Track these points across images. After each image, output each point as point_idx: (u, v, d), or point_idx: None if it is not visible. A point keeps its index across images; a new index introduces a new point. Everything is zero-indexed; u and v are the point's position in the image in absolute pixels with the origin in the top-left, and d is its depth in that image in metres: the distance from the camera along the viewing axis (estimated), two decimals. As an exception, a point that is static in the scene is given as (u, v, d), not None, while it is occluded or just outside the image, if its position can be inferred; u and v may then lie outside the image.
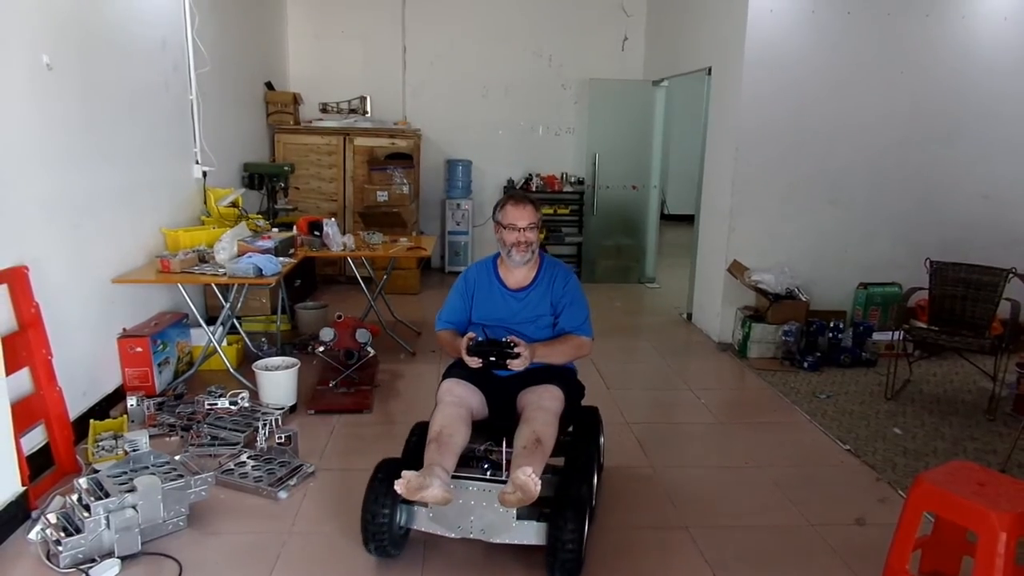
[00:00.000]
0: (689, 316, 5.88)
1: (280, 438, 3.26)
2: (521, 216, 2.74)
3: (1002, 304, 4.05)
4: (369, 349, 4.05)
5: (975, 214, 5.17)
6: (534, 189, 7.32)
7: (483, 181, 7.41)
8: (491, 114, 7.36)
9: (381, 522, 2.36)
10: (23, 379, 2.90)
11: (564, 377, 2.76)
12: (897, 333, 4.36)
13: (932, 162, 5.09)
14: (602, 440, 3.07)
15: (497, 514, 2.35)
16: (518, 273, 2.84)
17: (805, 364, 4.65)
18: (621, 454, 3.39)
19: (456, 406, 2.59)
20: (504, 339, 2.59)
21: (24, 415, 2.79)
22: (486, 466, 2.54)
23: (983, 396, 4.14)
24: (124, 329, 3.79)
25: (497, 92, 7.33)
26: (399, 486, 2.21)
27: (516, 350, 2.56)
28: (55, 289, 3.13)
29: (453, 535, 2.41)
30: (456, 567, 2.50)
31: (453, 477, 2.38)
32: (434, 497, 2.23)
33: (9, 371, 2.64)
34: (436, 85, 7.25)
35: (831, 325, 4.81)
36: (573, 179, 7.44)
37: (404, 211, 6.33)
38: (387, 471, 2.42)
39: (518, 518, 2.36)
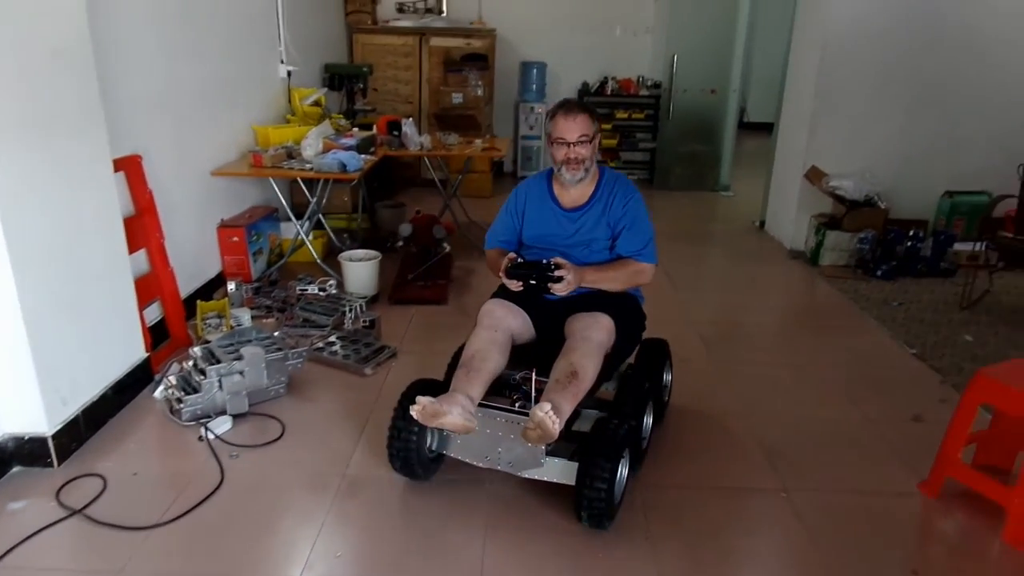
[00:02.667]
0: (762, 224, 5.82)
1: (364, 322, 3.54)
2: (571, 128, 2.41)
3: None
4: (445, 245, 4.25)
5: (1084, 120, 4.84)
6: (609, 92, 7.21)
7: (558, 84, 7.32)
8: (567, 14, 7.16)
9: (406, 442, 2.28)
10: (141, 259, 3.23)
11: (621, 305, 2.49)
12: (980, 243, 4.24)
13: (1039, 62, 4.75)
14: (668, 377, 2.90)
15: (525, 448, 2.18)
16: (573, 191, 2.55)
17: (879, 272, 4.60)
18: (683, 350, 3.50)
19: (492, 330, 2.39)
20: (545, 260, 2.35)
21: (143, 291, 3.11)
22: (518, 396, 2.36)
23: (1067, 309, 4.04)
24: (222, 220, 4.09)
25: (574, -10, 7.13)
26: (414, 411, 2.11)
27: (558, 273, 2.32)
28: (163, 179, 3.40)
29: (481, 464, 2.28)
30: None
31: (481, 405, 2.24)
32: (452, 425, 2.10)
33: (130, 251, 2.94)
34: (512, -17, 7.10)
35: (910, 234, 4.69)
36: (650, 82, 7.26)
37: (478, 113, 6.39)
38: (420, 391, 2.26)
39: (548, 454, 2.21)
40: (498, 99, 7.23)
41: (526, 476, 2.25)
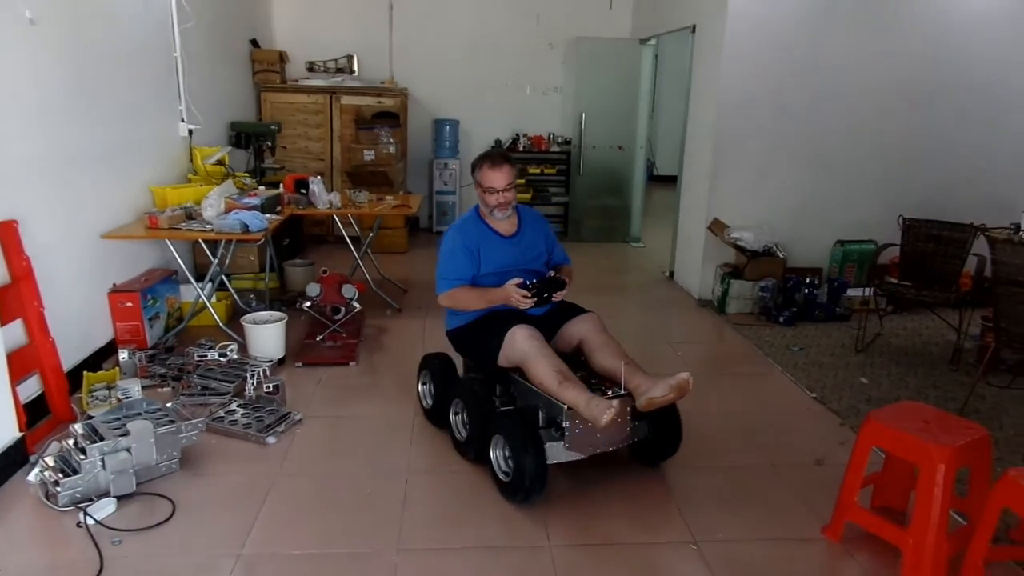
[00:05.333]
0: (671, 274, 6.00)
1: (268, 388, 3.38)
2: (499, 178, 2.89)
3: (970, 260, 4.18)
4: (355, 304, 4.15)
5: (951, 174, 5.26)
6: (521, 149, 7.36)
7: (470, 141, 7.43)
8: (478, 74, 7.35)
9: (542, 467, 2.57)
10: (17, 330, 3.00)
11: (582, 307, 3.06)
12: (869, 289, 4.48)
13: (911, 123, 5.17)
14: None
15: (617, 425, 2.62)
16: (504, 223, 3.02)
17: (781, 319, 4.79)
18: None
19: (546, 348, 2.74)
20: (549, 275, 2.89)
21: (19, 365, 2.88)
22: (609, 386, 2.74)
23: (950, 348, 4.29)
24: (114, 284, 3.87)
25: (484, 51, 7.31)
26: (610, 415, 2.43)
27: (563, 279, 2.87)
28: (45, 244, 3.20)
29: (585, 455, 2.66)
30: (436, 515, 2.65)
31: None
32: (620, 413, 2.54)
33: (3, 322, 2.73)
34: (423, 44, 7.22)
35: (807, 281, 4.93)
36: (560, 139, 7.47)
37: (391, 170, 6.38)
38: (533, 423, 2.68)
39: (633, 420, 2.69)
40: (412, 156, 7.28)
41: (619, 447, 2.72)
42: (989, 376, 3.80)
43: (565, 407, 2.56)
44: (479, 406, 2.87)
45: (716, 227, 5.10)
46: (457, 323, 3.04)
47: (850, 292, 5.00)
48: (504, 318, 2.82)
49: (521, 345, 2.72)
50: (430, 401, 3.26)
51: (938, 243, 4.29)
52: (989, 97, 5.19)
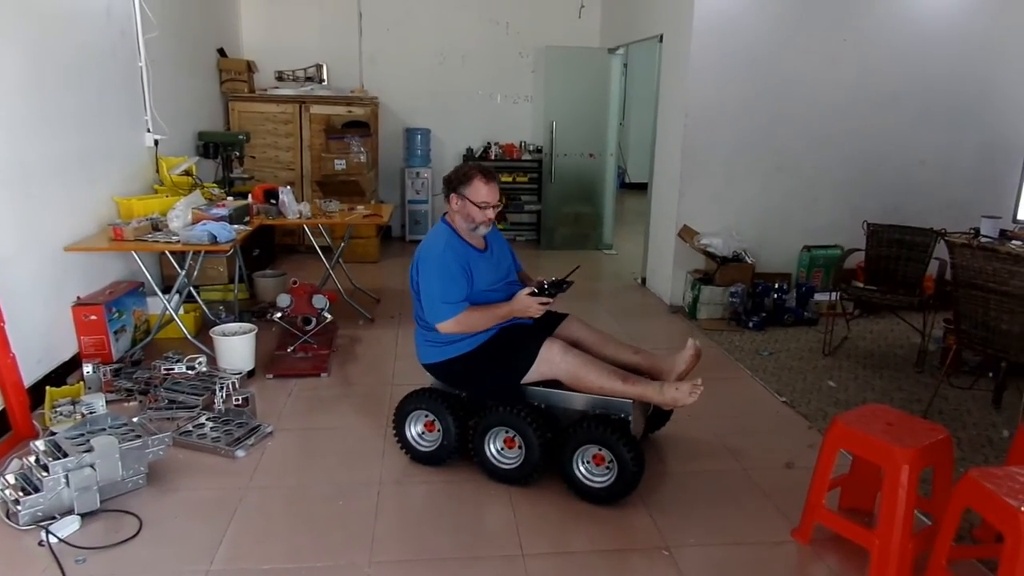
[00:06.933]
0: (643, 281, 6.05)
1: (238, 400, 3.34)
2: (493, 194, 2.81)
3: (932, 264, 4.28)
4: (326, 315, 4.12)
5: (912, 179, 5.39)
6: (493, 157, 7.38)
7: (442, 150, 7.44)
8: (448, 82, 7.36)
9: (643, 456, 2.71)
10: (-24, 346, 2.92)
11: None
12: (835, 293, 4.57)
13: (873, 129, 5.27)
14: None
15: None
16: (478, 237, 2.93)
17: (750, 324, 4.85)
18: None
19: (583, 352, 2.81)
20: (553, 278, 2.85)
21: (-22, 381, 2.81)
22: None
23: (914, 351, 4.38)
24: (78, 297, 3.80)
25: (454, 60, 7.33)
26: (697, 394, 2.64)
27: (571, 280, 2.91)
28: (5, 256, 3.14)
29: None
30: (408, 526, 2.63)
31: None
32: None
33: (-39, 337, 2.66)
34: (393, 53, 7.22)
35: (776, 286, 5.01)
36: (531, 147, 7.51)
37: (362, 180, 6.35)
38: (622, 422, 2.70)
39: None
40: (383, 165, 7.25)
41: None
42: (952, 378, 3.89)
43: (631, 402, 2.70)
44: (547, 425, 2.75)
45: (686, 234, 5.16)
46: (452, 353, 2.84)
47: (817, 296, 5.09)
48: (519, 335, 2.82)
49: (564, 357, 2.72)
50: (427, 445, 2.95)
51: (901, 247, 4.39)
52: (949, 99, 5.32)
